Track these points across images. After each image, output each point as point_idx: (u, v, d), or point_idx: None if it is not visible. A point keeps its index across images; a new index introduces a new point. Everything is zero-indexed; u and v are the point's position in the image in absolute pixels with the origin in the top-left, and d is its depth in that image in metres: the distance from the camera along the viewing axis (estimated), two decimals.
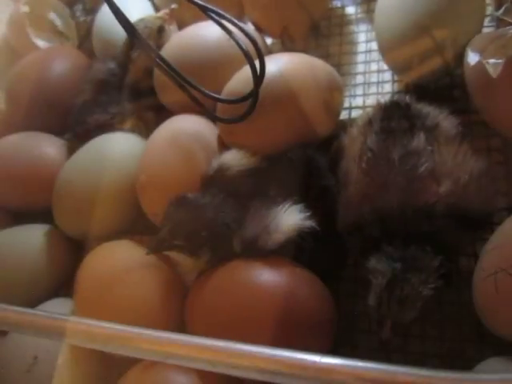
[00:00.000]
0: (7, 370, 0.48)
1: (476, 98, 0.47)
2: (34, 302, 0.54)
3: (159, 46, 0.59)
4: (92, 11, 0.80)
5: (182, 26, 0.62)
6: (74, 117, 0.63)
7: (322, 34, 0.64)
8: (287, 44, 0.63)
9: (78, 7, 0.86)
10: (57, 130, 0.67)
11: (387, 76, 0.58)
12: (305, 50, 0.55)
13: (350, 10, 0.65)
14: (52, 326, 0.35)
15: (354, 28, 0.63)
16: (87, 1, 0.84)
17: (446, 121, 0.43)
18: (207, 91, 0.50)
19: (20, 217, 0.66)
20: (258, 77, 0.46)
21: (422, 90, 0.51)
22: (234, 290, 0.42)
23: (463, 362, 0.42)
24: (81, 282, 0.51)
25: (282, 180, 0.46)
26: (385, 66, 0.57)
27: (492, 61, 0.43)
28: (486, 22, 0.53)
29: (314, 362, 0.27)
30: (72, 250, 0.61)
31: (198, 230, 0.44)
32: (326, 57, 0.61)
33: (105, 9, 0.70)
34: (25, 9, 0.77)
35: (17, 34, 0.78)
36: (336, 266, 0.48)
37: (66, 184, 0.58)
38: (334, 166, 0.47)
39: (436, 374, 0.27)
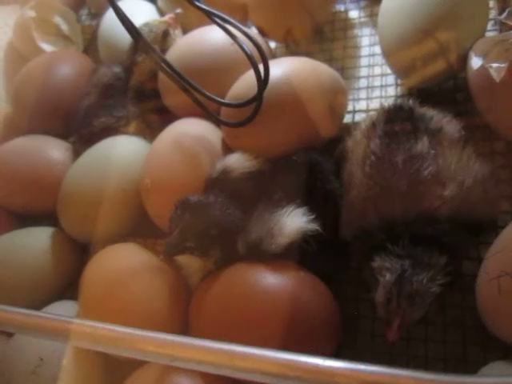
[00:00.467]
0: (13, 372, 0.48)
1: (479, 101, 0.47)
2: (39, 305, 0.55)
3: (164, 51, 0.60)
4: (97, 15, 0.80)
5: (186, 30, 0.63)
6: (79, 120, 0.64)
7: (326, 37, 0.64)
8: (291, 48, 0.63)
9: (84, 11, 0.87)
10: (62, 133, 0.67)
11: (390, 80, 0.58)
12: (308, 54, 0.55)
13: (354, 13, 0.65)
14: (57, 328, 0.35)
15: (357, 32, 0.64)
16: (92, 5, 0.85)
17: (449, 124, 0.43)
18: (211, 95, 0.50)
19: (25, 219, 0.66)
20: (262, 81, 0.46)
21: (426, 94, 0.51)
22: (237, 293, 0.42)
23: (467, 366, 0.42)
24: (85, 285, 0.51)
25: (285, 183, 0.46)
26: (388, 70, 0.57)
27: (495, 64, 0.43)
28: (489, 25, 0.53)
29: (317, 365, 0.27)
30: (77, 253, 0.61)
31: (208, 229, 0.45)
32: (329, 60, 0.61)
33: (110, 13, 0.70)
34: (31, 13, 0.77)
35: (23, 38, 0.79)
36: (339, 269, 0.48)
37: (71, 187, 0.58)
38: (337, 170, 0.47)
39: (439, 377, 0.27)
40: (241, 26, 0.47)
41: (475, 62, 0.45)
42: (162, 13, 0.71)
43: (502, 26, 0.51)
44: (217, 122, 0.54)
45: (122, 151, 0.58)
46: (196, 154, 0.51)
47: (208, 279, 0.45)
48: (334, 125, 0.52)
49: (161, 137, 0.55)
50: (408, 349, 0.44)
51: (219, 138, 0.54)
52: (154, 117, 0.62)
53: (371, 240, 0.41)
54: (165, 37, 0.61)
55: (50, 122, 0.68)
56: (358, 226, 0.42)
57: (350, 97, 0.58)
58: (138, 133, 0.61)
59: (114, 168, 0.56)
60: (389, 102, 0.47)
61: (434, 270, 0.37)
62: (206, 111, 0.52)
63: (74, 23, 0.82)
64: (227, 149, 0.52)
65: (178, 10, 0.62)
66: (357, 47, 0.62)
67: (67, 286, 0.60)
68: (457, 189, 0.39)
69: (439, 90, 0.53)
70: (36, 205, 0.64)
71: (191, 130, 0.54)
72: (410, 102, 0.45)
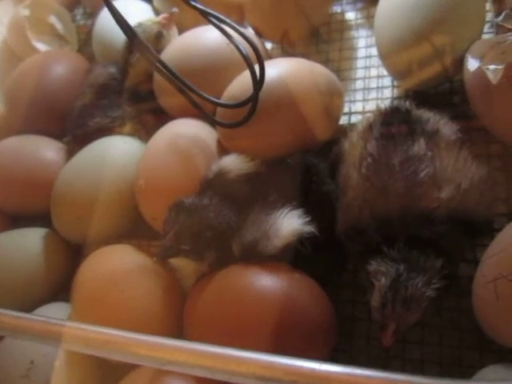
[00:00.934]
0: (4, 375, 0.47)
1: (476, 103, 0.47)
2: (31, 306, 0.54)
3: (157, 51, 0.59)
4: (92, 15, 0.80)
5: (181, 30, 0.62)
6: (73, 120, 0.63)
7: (322, 39, 0.64)
8: (287, 49, 0.63)
9: (79, 11, 0.87)
10: (56, 134, 0.67)
11: (387, 81, 0.58)
12: (305, 55, 0.55)
13: (350, 15, 0.65)
14: (48, 332, 0.34)
15: (353, 33, 0.63)
16: (87, 5, 0.84)
17: (446, 126, 0.43)
18: (207, 95, 0.50)
19: (18, 220, 0.66)
20: (258, 81, 0.46)
21: (422, 96, 0.51)
22: (232, 296, 0.42)
23: (463, 370, 0.42)
24: (78, 287, 0.50)
25: (281, 185, 0.46)
26: (384, 72, 0.57)
27: (492, 67, 0.43)
28: (486, 28, 0.53)
29: (313, 370, 0.27)
30: (70, 254, 0.61)
31: (203, 231, 0.44)
32: (325, 62, 0.61)
33: (105, 13, 0.70)
34: (25, 12, 0.77)
35: (17, 37, 0.78)
36: (335, 272, 0.48)
37: (64, 187, 0.57)
38: (333, 172, 0.47)
39: (436, 381, 0.27)
40: (237, 26, 0.46)
41: (472, 64, 0.45)
42: (157, 12, 0.71)
43: (499, 29, 0.51)
44: (212, 122, 0.53)
45: (117, 152, 0.57)
46: (191, 155, 0.51)
47: (202, 281, 0.45)
48: (330, 126, 0.52)
49: (156, 137, 0.55)
50: (403, 352, 0.44)
51: (215, 139, 0.53)
52: (149, 117, 0.62)
53: (367, 242, 0.40)
54: (158, 38, 0.60)
55: (44, 121, 0.67)
56: (353, 228, 0.42)
57: (346, 98, 0.58)
58: (133, 133, 0.60)
59: (108, 168, 0.56)
60: (385, 104, 0.47)
61: (429, 273, 0.37)
62: (202, 112, 0.52)
63: (68, 23, 0.81)
64: (223, 150, 0.52)
65: (174, 10, 0.62)
66: (353, 49, 0.62)
67: (60, 288, 0.59)
68: (453, 191, 0.39)
69: (435, 92, 0.53)
70: (29, 205, 0.63)
71: (186, 130, 0.53)
72: (407, 103, 0.45)
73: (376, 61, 0.59)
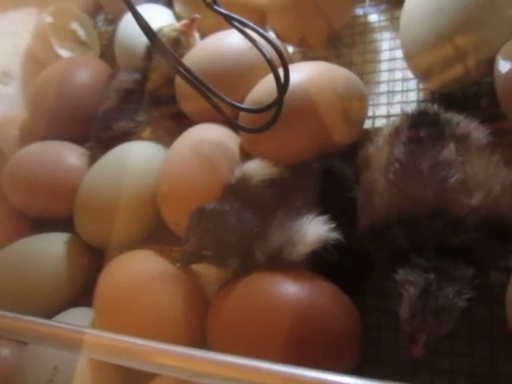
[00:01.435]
0: (28, 381, 0.47)
1: (508, 106, 0.45)
2: (54, 311, 0.54)
3: None
4: (114, 21, 0.81)
5: (203, 35, 0.62)
6: (97, 123, 0.64)
7: (344, 42, 0.63)
8: (308, 53, 0.62)
9: (100, 17, 0.88)
10: (79, 139, 0.67)
11: (412, 84, 0.56)
12: (327, 59, 0.54)
13: (373, 17, 0.64)
14: (71, 339, 0.34)
15: (377, 36, 0.62)
16: (109, 11, 0.85)
17: (476, 130, 0.41)
18: (230, 100, 0.50)
19: (41, 225, 0.66)
20: (282, 85, 0.45)
21: (449, 99, 0.49)
22: (256, 303, 0.41)
23: (495, 381, 0.40)
24: (101, 292, 0.50)
25: (305, 190, 0.45)
26: (410, 75, 0.55)
27: None
28: None
29: None
30: (92, 259, 0.61)
31: (226, 237, 0.44)
32: (349, 65, 0.60)
33: (126, 19, 0.70)
34: (49, 19, 0.78)
35: (41, 44, 0.80)
36: (361, 279, 0.46)
37: (87, 193, 0.58)
38: (359, 176, 0.46)
39: None
40: (260, 29, 0.46)
41: (503, 66, 0.44)
42: (178, 18, 0.71)
43: None
44: (235, 127, 0.53)
45: (139, 157, 0.57)
46: (214, 161, 0.50)
47: (226, 289, 0.44)
48: (354, 130, 0.51)
49: (178, 142, 0.55)
50: (433, 363, 0.43)
51: (237, 144, 0.53)
52: (171, 122, 0.62)
53: (394, 250, 0.39)
54: (175, 45, 0.60)
55: (67, 127, 0.68)
56: (380, 236, 0.41)
57: (370, 102, 0.56)
58: (155, 138, 0.60)
59: (130, 174, 0.56)
60: (412, 107, 0.45)
61: (460, 283, 0.35)
62: (224, 116, 0.51)
63: (90, 29, 0.82)
64: (246, 155, 0.52)
65: (196, 15, 0.62)
66: (377, 51, 0.61)
67: (83, 293, 0.60)
68: (484, 197, 0.37)
69: (462, 95, 0.52)
70: (52, 210, 0.64)
71: (209, 135, 0.53)
72: (435, 106, 0.43)
73: (400, 63, 0.58)
